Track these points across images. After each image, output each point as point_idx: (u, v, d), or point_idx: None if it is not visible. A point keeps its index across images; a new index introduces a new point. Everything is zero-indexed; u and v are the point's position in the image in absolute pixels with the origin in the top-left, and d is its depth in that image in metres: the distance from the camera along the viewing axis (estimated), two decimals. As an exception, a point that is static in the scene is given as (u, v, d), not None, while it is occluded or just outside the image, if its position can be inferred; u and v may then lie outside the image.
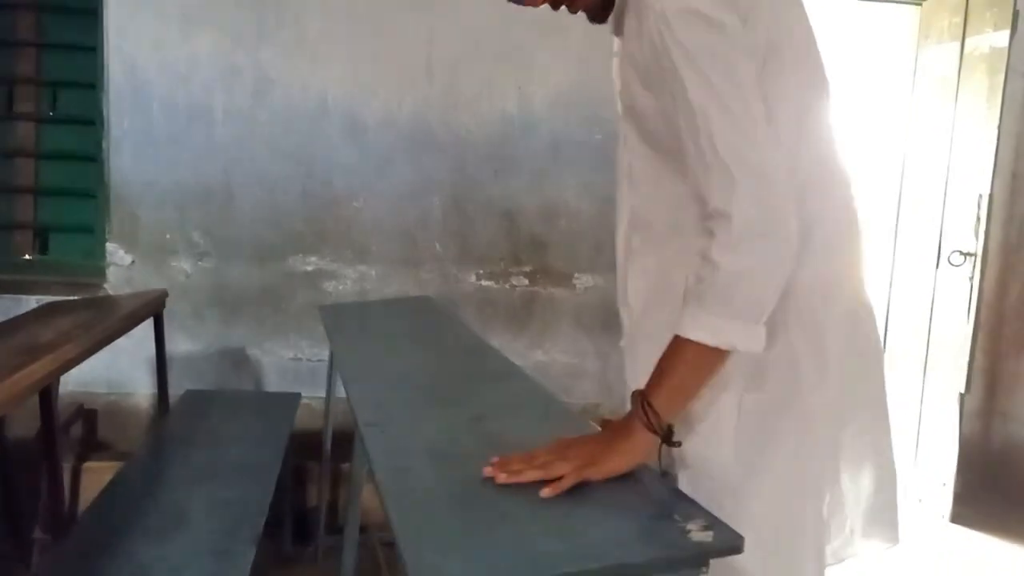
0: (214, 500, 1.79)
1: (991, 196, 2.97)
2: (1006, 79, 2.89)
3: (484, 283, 3.19)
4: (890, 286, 3.47)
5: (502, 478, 0.99)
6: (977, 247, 2.99)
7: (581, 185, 3.17)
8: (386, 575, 2.33)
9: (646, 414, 1.01)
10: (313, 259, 3.11)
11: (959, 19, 3.09)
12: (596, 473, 1.01)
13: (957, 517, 3.00)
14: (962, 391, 3.01)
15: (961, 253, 3.03)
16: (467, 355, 1.76)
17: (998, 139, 2.97)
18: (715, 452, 1.12)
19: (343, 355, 1.76)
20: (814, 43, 1.14)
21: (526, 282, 3.20)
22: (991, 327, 3.25)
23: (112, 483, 1.94)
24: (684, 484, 1.12)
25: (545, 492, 0.96)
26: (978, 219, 2.99)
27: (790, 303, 1.07)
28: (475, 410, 1.33)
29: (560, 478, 0.98)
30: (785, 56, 1.07)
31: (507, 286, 3.20)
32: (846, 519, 1.20)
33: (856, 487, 1.21)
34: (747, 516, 1.04)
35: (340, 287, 3.12)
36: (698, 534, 0.86)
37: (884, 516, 1.25)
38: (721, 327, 0.99)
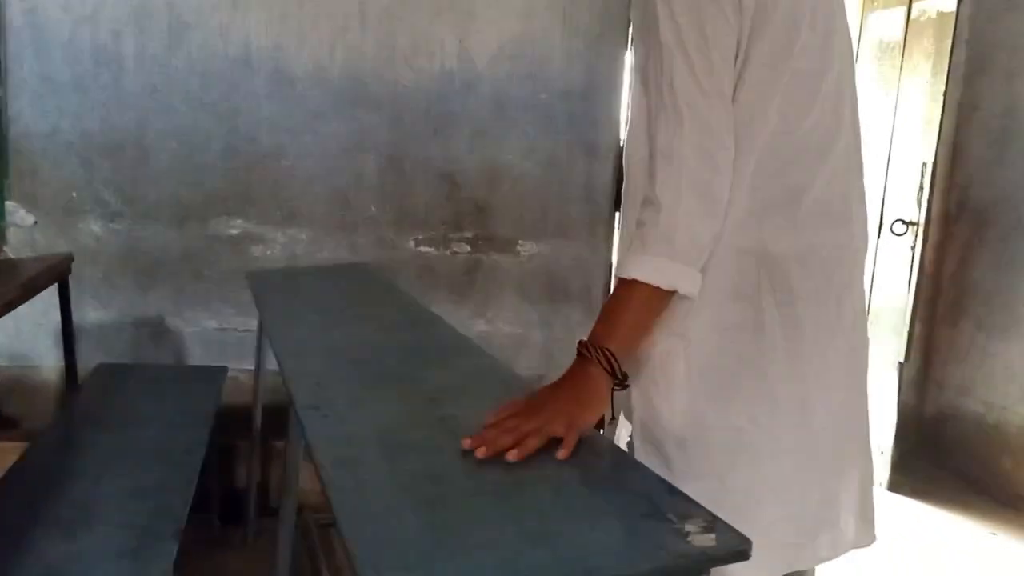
0: (130, 488, 1.61)
1: (934, 165, 2.96)
2: (953, 46, 2.86)
3: (423, 249, 3.03)
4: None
5: (482, 452, 0.93)
6: (919, 216, 2.99)
7: (526, 147, 3.03)
8: (322, 558, 2.19)
9: (605, 359, 1.03)
10: (238, 221, 2.89)
11: (907, -17, 3.05)
12: (574, 429, 0.98)
13: (894, 485, 3.03)
14: (901, 360, 3.03)
15: (903, 222, 3.02)
16: (413, 327, 1.61)
17: (943, 108, 2.95)
18: (665, 401, 1.14)
19: (275, 327, 1.59)
20: (822, 18, 1.11)
21: (468, 249, 3.06)
22: (928, 297, 3.28)
23: (13, 469, 1.73)
24: (636, 432, 1.16)
25: (512, 455, 0.92)
26: (920, 188, 2.98)
27: (767, 267, 1.10)
28: (427, 391, 1.19)
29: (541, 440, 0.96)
30: (776, 26, 1.06)
31: (448, 253, 3.05)
32: (839, 514, 1.17)
33: (844, 482, 1.18)
34: (694, 470, 1.09)
35: (268, 252, 2.91)
36: (699, 538, 0.75)
37: (869, 515, 1.22)
38: (665, 268, 1.04)
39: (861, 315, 1.24)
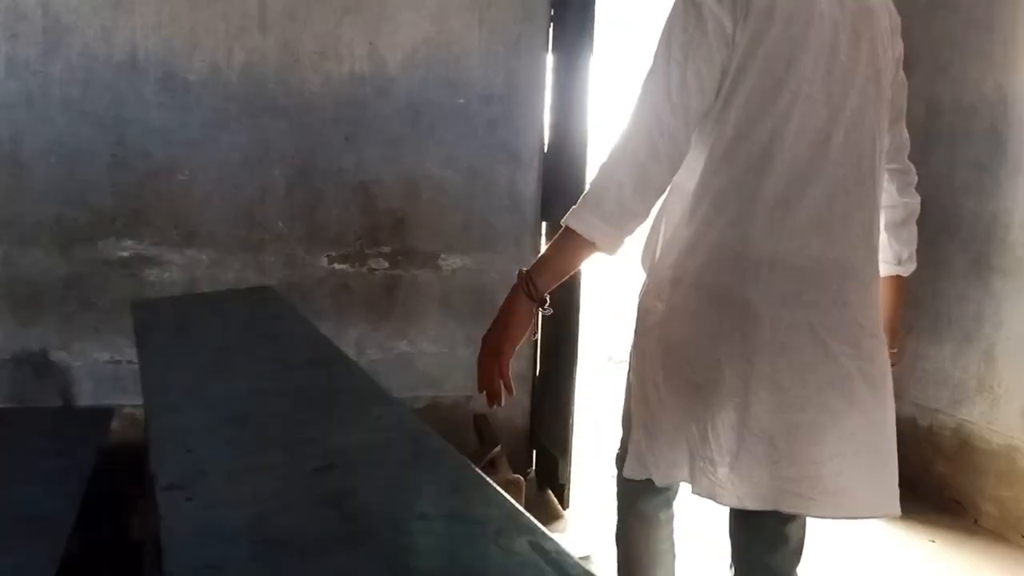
0: (-17, 566, 1.37)
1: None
2: (878, 45, 2.81)
3: (338, 267, 2.82)
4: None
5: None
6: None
7: (445, 154, 2.85)
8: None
9: (528, 286, 1.29)
10: (129, 243, 2.63)
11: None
12: (506, 356, 1.30)
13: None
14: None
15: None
16: (314, 367, 1.42)
17: (869, 107, 2.91)
18: (639, 346, 1.42)
19: (152, 373, 1.38)
20: (809, 61, 1.25)
21: (386, 264, 2.86)
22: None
23: None
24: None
25: (490, 404, 1.34)
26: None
27: (740, 264, 1.28)
28: (321, 456, 1.01)
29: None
30: (763, 54, 1.24)
31: (364, 269, 2.85)
32: (713, 464, 1.32)
33: (718, 441, 1.31)
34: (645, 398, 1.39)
35: (165, 275, 2.66)
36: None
37: (752, 477, 1.31)
38: (590, 222, 1.25)
39: (867, 338, 1.32)
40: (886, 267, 1.55)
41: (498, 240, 2.94)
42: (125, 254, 2.63)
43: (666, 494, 1.54)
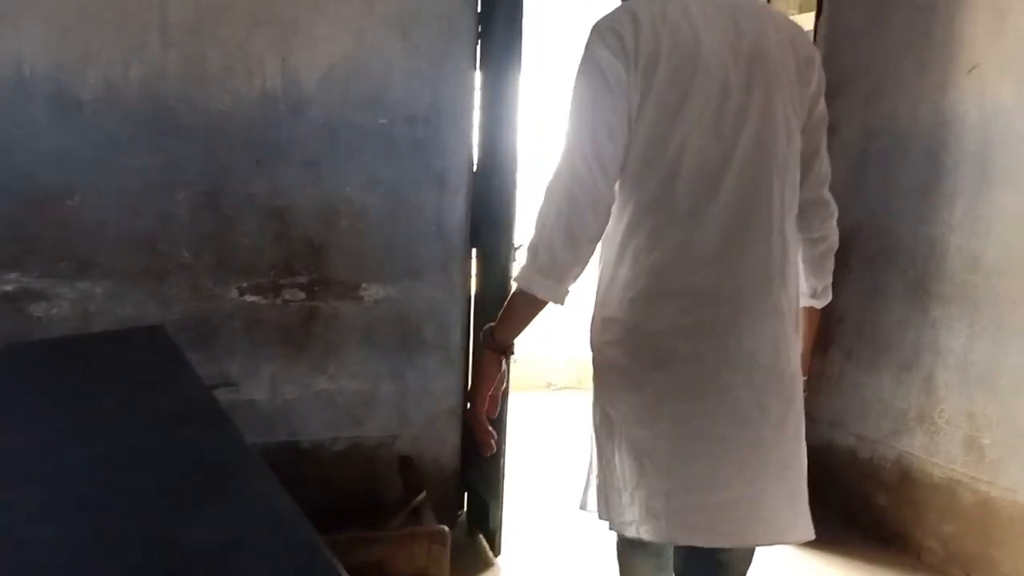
0: None
1: (798, 190, 2.84)
2: (813, 67, 2.75)
3: (249, 299, 2.61)
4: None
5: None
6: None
7: (365, 178, 2.68)
8: None
9: (490, 340, 1.42)
10: (14, 275, 2.38)
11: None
12: (478, 406, 1.43)
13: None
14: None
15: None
16: (179, 435, 1.22)
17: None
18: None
19: (-9, 442, 1.16)
20: (694, 98, 1.34)
21: (303, 296, 2.67)
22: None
23: None
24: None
25: (485, 453, 1.48)
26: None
27: (642, 299, 1.38)
28: (168, 557, 0.83)
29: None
30: (653, 101, 1.33)
31: (279, 301, 2.65)
32: (619, 494, 1.43)
33: (623, 472, 1.42)
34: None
35: (53, 311, 2.42)
36: None
37: (652, 508, 1.38)
38: (532, 278, 1.34)
39: (759, 369, 1.37)
40: (802, 299, 1.56)
41: (424, 269, 2.78)
42: (8, 288, 2.38)
43: (657, 560, 1.60)
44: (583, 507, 1.54)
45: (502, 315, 1.40)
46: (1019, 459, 2.43)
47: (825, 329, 3.13)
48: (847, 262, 3.04)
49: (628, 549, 1.60)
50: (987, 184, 2.52)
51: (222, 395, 2.62)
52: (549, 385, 4.99)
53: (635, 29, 1.33)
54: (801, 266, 1.57)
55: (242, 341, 2.62)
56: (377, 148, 2.68)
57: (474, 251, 2.84)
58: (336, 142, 2.64)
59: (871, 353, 2.96)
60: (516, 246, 2.70)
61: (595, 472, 1.50)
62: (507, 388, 1.56)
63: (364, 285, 2.73)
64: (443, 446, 2.89)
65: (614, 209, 1.38)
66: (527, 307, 1.37)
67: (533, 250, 1.33)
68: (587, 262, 1.38)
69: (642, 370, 1.39)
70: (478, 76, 2.77)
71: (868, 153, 2.96)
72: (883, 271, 2.90)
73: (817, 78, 1.44)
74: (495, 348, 1.41)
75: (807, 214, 1.52)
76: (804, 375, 1.58)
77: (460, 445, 2.91)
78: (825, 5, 2.83)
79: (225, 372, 2.62)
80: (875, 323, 2.93)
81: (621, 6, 1.38)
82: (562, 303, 1.36)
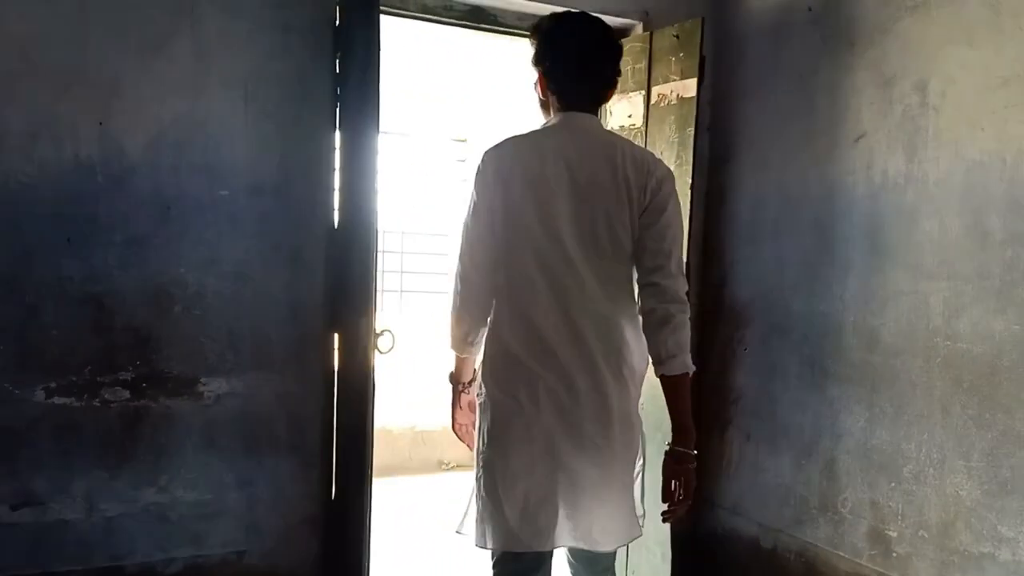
0: None
1: (687, 263, 2.65)
2: (696, 134, 2.59)
3: (59, 400, 2.21)
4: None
5: None
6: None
7: (203, 257, 2.34)
8: None
9: (450, 377, 2.08)
10: None
11: (642, 65, 2.77)
12: (455, 426, 2.11)
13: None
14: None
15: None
16: None
17: (691, 201, 2.67)
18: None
19: None
20: (536, 205, 1.82)
21: (127, 395, 2.28)
22: (694, 405, 2.94)
23: None
24: None
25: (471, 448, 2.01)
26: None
27: (495, 359, 1.88)
28: None
29: None
30: (506, 208, 1.84)
31: (97, 402, 2.26)
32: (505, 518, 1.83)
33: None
34: None
35: None
36: None
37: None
38: (451, 343, 1.98)
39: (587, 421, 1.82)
40: (654, 367, 1.82)
41: (274, 358, 2.44)
42: None
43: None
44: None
45: (451, 369, 2.08)
46: (927, 555, 2.24)
47: (722, 407, 2.94)
48: (742, 337, 2.86)
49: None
50: (879, 259, 2.38)
51: (26, 516, 2.20)
52: (441, 465, 4.65)
53: (497, 162, 1.85)
54: (643, 335, 1.84)
55: (51, 451, 2.21)
56: (217, 222, 2.35)
57: (336, 337, 2.51)
58: (167, 216, 2.30)
59: (770, 435, 2.77)
60: (379, 332, 2.40)
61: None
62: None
63: (203, 379, 2.36)
64: (301, 558, 2.51)
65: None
66: (455, 362, 2.06)
67: (448, 324, 1.95)
68: (479, 331, 1.91)
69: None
70: (337, 138, 2.49)
71: (757, 223, 2.81)
72: (778, 348, 2.73)
73: (650, 196, 1.81)
74: (452, 382, 2.09)
75: (640, 295, 1.83)
76: (680, 445, 1.82)
77: (321, 554, 2.54)
78: (707, 71, 2.69)
79: (29, 489, 2.20)
80: (773, 403, 2.75)
81: (500, 141, 1.89)
82: (471, 355, 2.00)
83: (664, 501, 1.80)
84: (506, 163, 1.83)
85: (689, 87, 2.62)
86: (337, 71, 2.46)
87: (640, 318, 1.81)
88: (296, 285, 2.45)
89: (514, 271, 1.82)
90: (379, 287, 4.88)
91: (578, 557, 1.97)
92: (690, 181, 2.62)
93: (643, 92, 2.79)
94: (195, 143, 2.32)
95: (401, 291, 4.98)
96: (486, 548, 1.84)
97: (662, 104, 2.73)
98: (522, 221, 1.80)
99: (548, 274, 1.80)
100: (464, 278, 1.87)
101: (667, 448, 1.81)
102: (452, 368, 2.05)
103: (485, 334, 1.89)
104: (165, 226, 2.30)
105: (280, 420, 2.46)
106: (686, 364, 1.78)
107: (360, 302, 2.36)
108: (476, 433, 1.90)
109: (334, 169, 2.47)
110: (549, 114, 1.93)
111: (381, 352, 2.41)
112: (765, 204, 2.78)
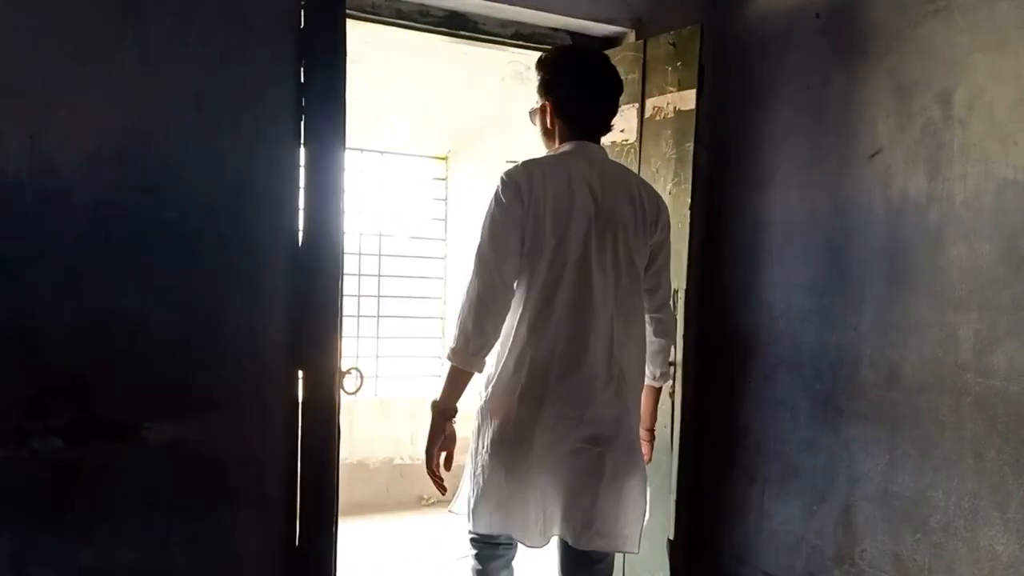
0: None
1: (687, 290, 2.43)
2: (695, 150, 2.37)
3: (-20, 451, 1.94)
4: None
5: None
6: (674, 354, 2.42)
7: (149, 288, 2.08)
8: None
9: (434, 406, 1.97)
10: None
11: (635, 75, 2.56)
12: (430, 462, 1.99)
13: None
14: (670, 537, 2.39)
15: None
16: None
17: (691, 223, 2.45)
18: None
19: None
20: (559, 227, 1.91)
21: (60, 443, 2.01)
22: (694, 444, 2.71)
23: None
24: None
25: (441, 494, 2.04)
26: (675, 321, 2.43)
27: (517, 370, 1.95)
28: None
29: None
30: (535, 232, 1.90)
31: (25, 452, 1.98)
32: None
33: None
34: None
35: None
36: None
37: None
38: (457, 355, 1.91)
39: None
40: (647, 379, 2.10)
41: (229, 398, 2.17)
42: None
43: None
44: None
45: (443, 385, 1.95)
46: (958, 616, 2.01)
47: (725, 446, 2.70)
48: (746, 368, 2.63)
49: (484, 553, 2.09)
50: (899, 286, 2.17)
51: (-60, 585, 1.92)
52: (421, 500, 4.37)
53: (529, 182, 1.88)
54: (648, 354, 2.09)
55: (-30, 510, 1.94)
56: (165, 248, 2.09)
57: (301, 374, 2.26)
58: (108, 241, 2.04)
59: (778, 477, 2.53)
60: (346, 370, 2.16)
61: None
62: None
63: (147, 424, 2.09)
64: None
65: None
66: (458, 376, 1.93)
67: (457, 335, 1.89)
68: (492, 344, 1.93)
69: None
70: (303, 155, 2.25)
71: (761, 246, 2.60)
72: (787, 382, 2.50)
73: (660, 231, 1.99)
74: (437, 413, 1.96)
75: (650, 322, 2.06)
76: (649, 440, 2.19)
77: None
78: (706, 82, 2.48)
79: (-56, 553, 1.93)
80: (781, 442, 2.52)
81: (521, 163, 1.93)
82: (480, 371, 1.94)
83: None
84: (537, 182, 1.89)
85: (687, 99, 2.41)
86: (302, 80, 2.23)
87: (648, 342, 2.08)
88: (254, 316, 2.20)
89: (537, 291, 1.91)
90: (355, 311, 4.64)
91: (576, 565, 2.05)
92: (689, 201, 2.40)
93: (636, 105, 2.58)
94: (140, 159, 2.06)
95: (378, 316, 4.72)
96: (482, 532, 2.04)
97: (657, 117, 2.52)
98: (548, 243, 1.89)
99: (571, 296, 1.90)
100: (486, 290, 1.88)
101: (642, 430, 2.15)
102: (440, 395, 1.96)
103: (491, 352, 1.97)
104: (105, 252, 2.04)
105: (235, 468, 2.19)
106: (668, 377, 2.21)
107: (324, 335, 2.11)
108: (475, 442, 2.03)
109: (298, 188, 2.24)
110: (554, 143, 2.03)
111: (348, 393, 2.16)
112: (770, 225, 2.56)
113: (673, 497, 2.41)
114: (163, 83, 2.09)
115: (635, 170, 2.59)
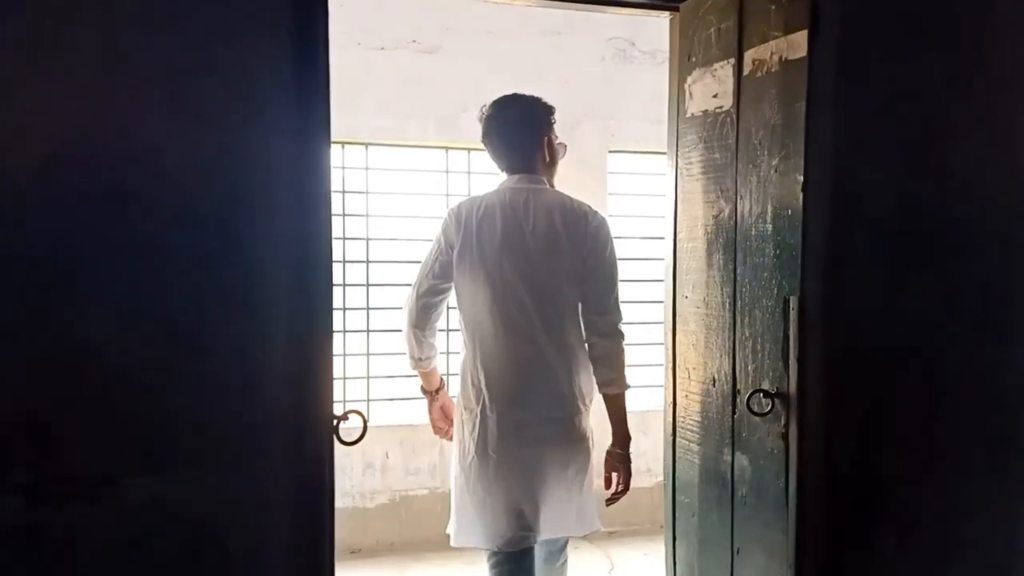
0: None
1: (801, 299, 1.82)
2: (810, 107, 1.77)
3: (-74, 514, 1.65)
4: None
5: None
6: (788, 383, 1.82)
7: (125, 314, 1.74)
8: None
9: (421, 389, 2.55)
10: None
11: (730, 22, 1.97)
12: (432, 421, 2.55)
13: None
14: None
15: (764, 394, 1.85)
16: None
17: (805, 208, 1.83)
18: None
19: None
20: (485, 261, 2.31)
21: (20, 502, 1.69)
22: (821, 503, 2.07)
23: None
24: None
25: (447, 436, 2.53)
26: (785, 338, 1.84)
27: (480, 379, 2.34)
28: None
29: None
30: (464, 259, 2.33)
31: (-22, 514, 1.67)
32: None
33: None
34: None
35: None
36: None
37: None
38: (409, 359, 2.47)
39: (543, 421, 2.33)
40: (598, 388, 2.38)
41: (223, 449, 1.79)
42: None
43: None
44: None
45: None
46: None
47: (854, 506, 2.03)
48: (884, 402, 1.97)
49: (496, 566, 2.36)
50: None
51: None
52: (352, 551, 3.89)
53: (456, 219, 2.35)
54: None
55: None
56: (139, 267, 1.74)
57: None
58: (71, 261, 1.71)
59: (932, 547, 1.87)
60: (339, 417, 1.73)
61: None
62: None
63: (124, 479, 1.74)
64: None
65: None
66: (420, 372, 2.50)
67: (403, 340, 2.46)
68: (432, 349, 2.46)
69: None
70: (334, 155, 1.86)
71: (907, 239, 1.94)
72: (948, 419, 1.84)
73: (590, 245, 2.29)
74: (425, 393, 2.55)
75: (585, 330, 2.34)
76: (615, 451, 2.40)
77: None
78: (823, 22, 1.84)
79: None
80: (937, 502, 1.86)
81: (460, 203, 2.42)
82: (428, 368, 2.48)
83: (607, 489, 2.40)
84: (464, 218, 2.33)
85: (797, 44, 1.81)
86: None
87: (587, 349, 2.34)
88: (250, 348, 1.81)
89: (473, 314, 2.33)
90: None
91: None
92: (801, 179, 1.79)
93: (732, 61, 2.01)
94: (106, 161, 1.72)
95: (368, 330, 4.24)
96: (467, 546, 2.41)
97: (759, 74, 1.93)
98: (481, 269, 2.29)
99: (503, 318, 2.27)
100: (420, 303, 2.39)
101: (608, 449, 2.38)
102: (422, 380, 2.53)
103: (433, 355, 2.47)
104: (69, 274, 1.70)
105: (232, 532, 1.81)
106: (621, 385, 2.33)
107: (317, 368, 1.69)
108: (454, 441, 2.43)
109: (303, 190, 1.83)
110: (555, 172, 2.50)
111: (344, 443, 1.73)
112: (919, 211, 1.90)
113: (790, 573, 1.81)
114: (132, 69, 1.74)
115: (732, 143, 2.01)
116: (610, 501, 2.40)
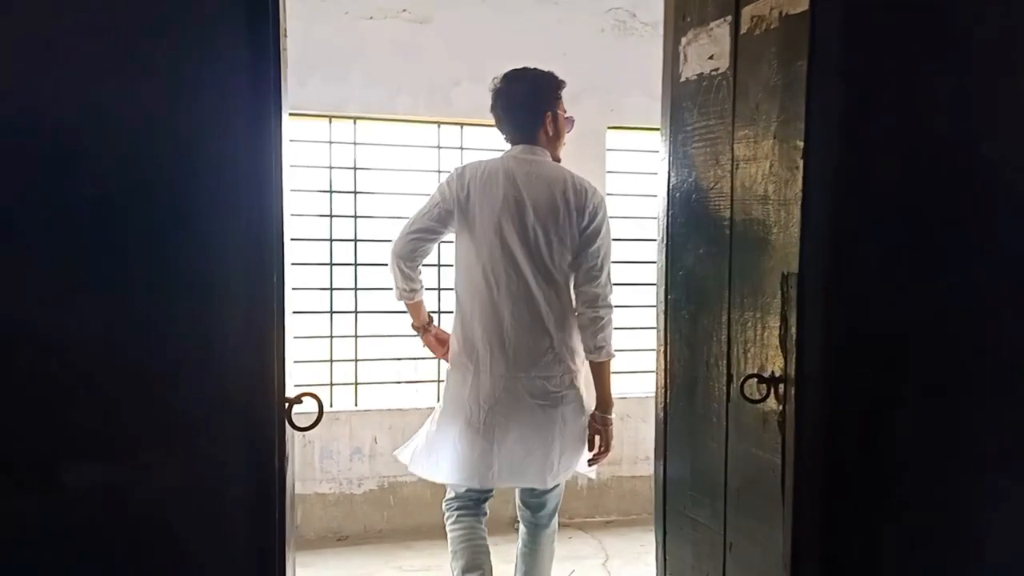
0: None
1: (800, 276, 1.68)
2: (811, 66, 1.61)
3: None
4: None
5: None
6: (786, 366, 1.68)
7: (64, 289, 1.61)
8: None
9: (413, 327, 2.66)
10: None
11: (728, -25, 1.82)
12: (429, 347, 2.67)
13: None
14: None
15: (760, 379, 1.71)
16: None
17: (805, 177, 1.68)
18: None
19: None
20: (494, 217, 2.42)
21: (-47, 490, 1.57)
22: (818, 494, 1.93)
23: None
24: None
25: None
26: (783, 318, 1.69)
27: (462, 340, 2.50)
28: None
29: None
30: (465, 219, 2.45)
31: (-91, 502, 1.55)
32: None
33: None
34: None
35: None
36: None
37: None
38: (397, 294, 2.57)
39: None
40: (586, 355, 2.51)
41: (172, 433, 1.66)
42: None
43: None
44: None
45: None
46: None
47: (865, 497, 1.90)
48: (898, 386, 1.82)
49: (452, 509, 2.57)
50: None
51: None
52: (339, 538, 3.78)
53: (460, 179, 2.46)
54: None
55: None
56: (82, 237, 1.61)
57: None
58: (4, 231, 1.57)
59: (948, 544, 1.73)
60: (292, 400, 1.59)
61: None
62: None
63: (67, 465, 1.62)
64: None
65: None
66: (410, 308, 2.61)
67: (391, 275, 2.54)
68: (415, 282, 2.54)
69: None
70: (285, 124, 1.72)
71: (918, 211, 1.78)
72: (967, 405, 1.70)
73: (588, 220, 2.42)
74: (415, 329, 2.66)
75: (576, 299, 2.46)
76: (599, 414, 2.55)
77: None
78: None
79: None
80: (953, 495, 1.72)
81: (465, 164, 2.52)
82: (413, 300, 2.58)
83: (590, 451, 2.54)
84: (466, 181, 2.45)
85: (797, 1, 1.65)
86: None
87: (576, 316, 2.46)
88: (205, 324, 1.67)
89: (469, 274, 2.45)
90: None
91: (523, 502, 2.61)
92: (801, 146, 1.64)
93: (728, 19, 1.85)
94: (43, 120, 1.58)
95: (356, 311, 4.12)
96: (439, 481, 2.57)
97: (757, 31, 1.77)
98: (480, 229, 2.41)
99: (499, 279, 2.40)
100: (408, 245, 2.48)
101: (591, 412, 2.53)
102: (411, 320, 2.65)
103: (419, 287, 2.56)
104: (2, 245, 1.57)
105: (188, 524, 1.68)
106: (609, 353, 2.47)
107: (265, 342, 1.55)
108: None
109: (267, 156, 1.69)
110: (560, 146, 2.57)
111: (297, 429, 1.60)
112: (936, 177, 1.75)
113: None
114: (78, 17, 1.60)
115: (728, 108, 1.86)
116: (592, 461, 2.55)
